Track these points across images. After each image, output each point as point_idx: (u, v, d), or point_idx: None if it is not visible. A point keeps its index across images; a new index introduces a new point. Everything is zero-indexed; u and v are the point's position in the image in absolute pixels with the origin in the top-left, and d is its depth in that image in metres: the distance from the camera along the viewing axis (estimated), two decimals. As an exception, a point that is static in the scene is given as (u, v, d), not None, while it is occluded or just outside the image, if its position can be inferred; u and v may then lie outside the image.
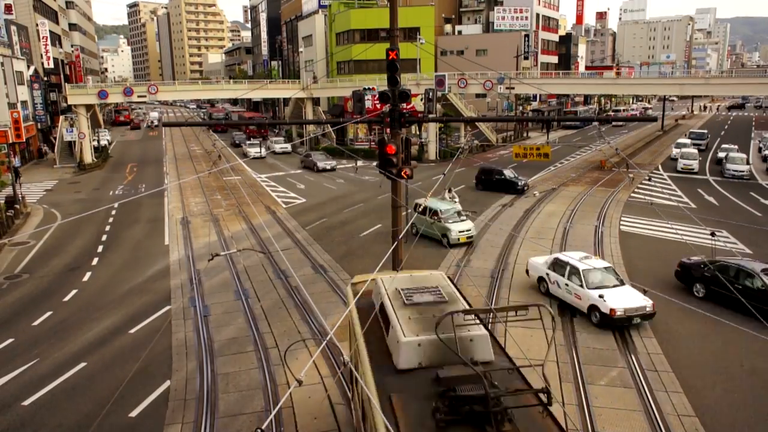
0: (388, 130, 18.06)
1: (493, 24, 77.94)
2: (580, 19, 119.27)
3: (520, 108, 71.83)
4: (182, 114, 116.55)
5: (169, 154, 59.32)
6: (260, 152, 54.27)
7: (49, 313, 18.16)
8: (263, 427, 11.54)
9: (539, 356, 14.48)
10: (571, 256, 18.01)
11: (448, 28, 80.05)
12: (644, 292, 16.34)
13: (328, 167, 46.86)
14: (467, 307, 8.41)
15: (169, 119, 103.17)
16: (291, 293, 19.09)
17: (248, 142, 61.05)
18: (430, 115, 35.17)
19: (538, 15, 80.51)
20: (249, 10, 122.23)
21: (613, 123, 70.54)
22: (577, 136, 71.33)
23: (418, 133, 52.52)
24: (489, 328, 8.44)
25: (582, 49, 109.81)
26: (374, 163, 21.00)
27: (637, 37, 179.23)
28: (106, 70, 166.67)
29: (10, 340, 16.34)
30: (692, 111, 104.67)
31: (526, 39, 74.37)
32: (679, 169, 43.07)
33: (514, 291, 18.93)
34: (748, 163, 42.49)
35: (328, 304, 18.13)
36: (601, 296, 15.93)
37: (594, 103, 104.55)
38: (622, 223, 27.72)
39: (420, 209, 24.53)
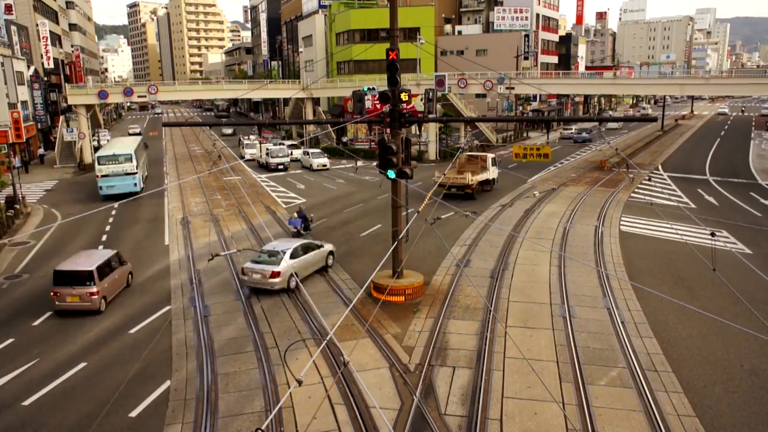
0: (388, 130, 18.08)
1: (493, 24, 77.95)
2: (580, 19, 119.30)
3: (520, 108, 71.82)
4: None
5: (169, 154, 59.33)
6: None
7: (49, 313, 18.15)
8: (263, 427, 11.60)
9: (539, 356, 14.50)
10: None
11: (448, 28, 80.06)
12: None
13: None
14: None
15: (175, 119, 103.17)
16: (291, 293, 19.09)
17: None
18: (430, 115, 35.21)
19: (538, 15, 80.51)
20: (249, 10, 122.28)
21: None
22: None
23: (418, 133, 52.50)
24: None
25: (582, 50, 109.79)
26: (374, 163, 20.98)
27: (637, 38, 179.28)
28: (106, 70, 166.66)
29: (10, 340, 16.33)
30: (692, 111, 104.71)
31: (526, 39, 74.37)
32: None
33: (514, 291, 18.92)
34: None
35: (328, 304, 18.13)
36: None
37: (594, 102, 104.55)
38: (622, 223, 27.71)
39: None
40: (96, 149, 56.22)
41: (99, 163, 35.16)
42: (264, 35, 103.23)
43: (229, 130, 77.64)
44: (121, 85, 63.30)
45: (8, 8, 54.99)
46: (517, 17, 76.67)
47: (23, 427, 12.22)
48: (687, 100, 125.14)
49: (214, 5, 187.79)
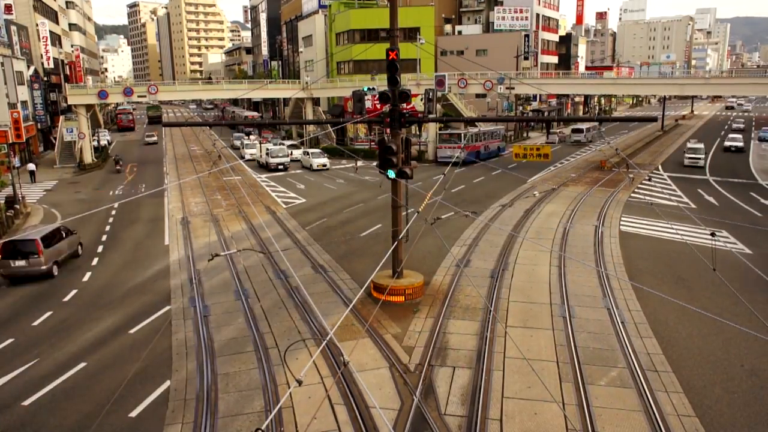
0: (388, 130, 18.08)
1: (493, 24, 77.92)
2: (580, 19, 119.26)
3: (520, 108, 71.78)
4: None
5: (169, 154, 59.29)
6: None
7: (49, 313, 18.15)
8: (263, 427, 11.59)
9: (539, 356, 14.49)
10: None
11: (448, 28, 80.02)
12: None
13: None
14: None
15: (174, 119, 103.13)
16: (291, 293, 19.09)
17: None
18: (430, 115, 35.18)
19: (538, 15, 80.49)
20: (249, 10, 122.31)
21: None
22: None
23: (418, 133, 52.49)
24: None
25: (582, 49, 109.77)
26: (374, 163, 20.99)
27: (637, 37, 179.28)
28: (106, 70, 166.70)
29: (10, 340, 16.34)
30: (692, 111, 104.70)
31: (526, 39, 74.35)
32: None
33: (514, 291, 18.91)
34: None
35: (328, 304, 18.12)
36: None
37: (594, 102, 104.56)
38: (622, 223, 27.71)
39: None
40: (96, 149, 56.35)
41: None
42: (264, 35, 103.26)
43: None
44: (121, 85, 63.25)
45: (8, 8, 55.00)
46: (517, 17, 76.64)
47: (23, 427, 12.22)
48: (686, 100, 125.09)
49: (214, 5, 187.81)
